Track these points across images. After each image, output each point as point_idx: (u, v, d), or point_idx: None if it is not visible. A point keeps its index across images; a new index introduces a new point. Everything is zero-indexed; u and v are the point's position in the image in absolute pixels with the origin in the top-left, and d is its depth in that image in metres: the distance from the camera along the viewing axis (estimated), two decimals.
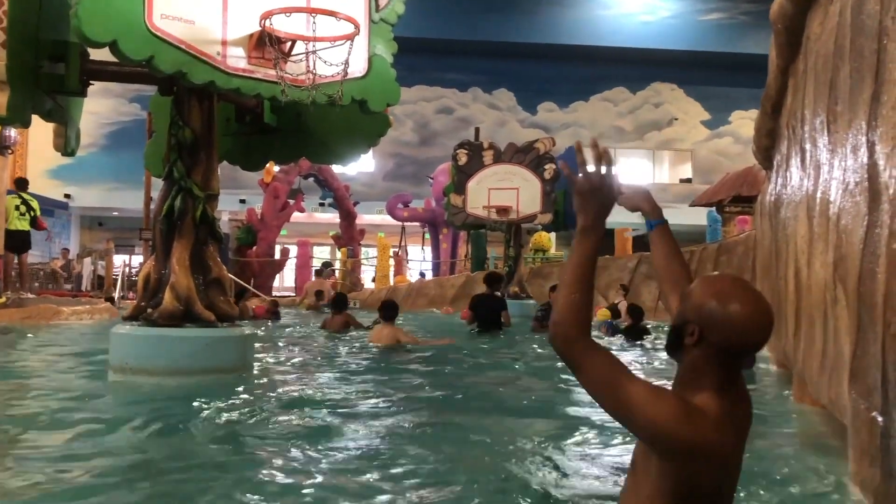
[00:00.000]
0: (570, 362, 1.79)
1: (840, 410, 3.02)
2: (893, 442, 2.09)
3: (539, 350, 8.59)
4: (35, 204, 13.39)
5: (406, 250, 25.98)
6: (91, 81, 6.16)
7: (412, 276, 24.33)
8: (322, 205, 26.03)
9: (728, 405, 1.77)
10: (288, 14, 5.58)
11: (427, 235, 25.94)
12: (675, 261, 2.15)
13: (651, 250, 2.18)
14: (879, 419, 2.24)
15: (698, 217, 23.39)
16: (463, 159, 16.77)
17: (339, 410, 4.69)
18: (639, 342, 9.73)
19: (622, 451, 3.57)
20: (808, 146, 4.12)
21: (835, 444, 3.61)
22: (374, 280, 23.06)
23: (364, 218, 26.23)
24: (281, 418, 4.43)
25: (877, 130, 2.36)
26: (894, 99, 2.17)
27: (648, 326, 10.47)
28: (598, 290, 14.22)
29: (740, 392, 1.83)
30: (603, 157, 1.88)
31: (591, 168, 1.88)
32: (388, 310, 8.67)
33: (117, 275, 18.63)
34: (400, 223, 25.74)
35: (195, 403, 4.61)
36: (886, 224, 2.19)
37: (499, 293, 12.11)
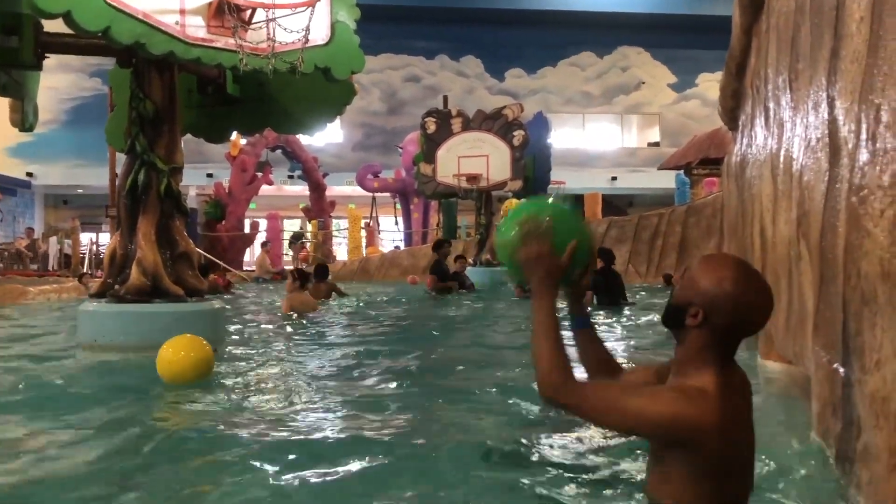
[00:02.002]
0: (566, 406, 1.88)
1: (804, 364, 3.08)
2: (854, 391, 2.13)
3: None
4: None
5: (377, 221, 25.91)
6: (46, 54, 6.00)
7: (384, 246, 24.30)
8: (291, 177, 25.83)
9: (729, 380, 1.83)
10: None
11: (398, 205, 25.87)
12: (607, 361, 2.19)
13: (580, 353, 2.19)
14: (841, 370, 2.28)
15: (667, 180, 23.60)
16: (432, 128, 16.70)
17: (314, 381, 4.68)
18: (616, 307, 9.55)
19: None
20: (771, 105, 4.14)
21: (798, 396, 3.68)
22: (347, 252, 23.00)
23: (334, 189, 26.06)
24: (253, 390, 4.41)
25: (836, 86, 2.38)
26: (852, 53, 2.18)
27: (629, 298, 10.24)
28: None
29: (737, 370, 1.90)
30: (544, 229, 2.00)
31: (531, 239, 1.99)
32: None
33: (84, 253, 18.36)
34: (370, 194, 25.63)
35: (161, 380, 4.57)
36: (846, 179, 2.22)
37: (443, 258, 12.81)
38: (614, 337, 6.95)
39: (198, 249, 6.49)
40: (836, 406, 2.34)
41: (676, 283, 1.98)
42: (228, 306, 9.18)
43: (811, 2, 2.84)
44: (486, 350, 6.18)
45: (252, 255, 25.24)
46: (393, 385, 4.57)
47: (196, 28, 5.50)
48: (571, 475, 2.65)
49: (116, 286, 5.75)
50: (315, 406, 3.99)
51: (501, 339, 7.10)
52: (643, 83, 33.32)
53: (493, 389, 4.33)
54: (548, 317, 1.94)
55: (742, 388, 1.89)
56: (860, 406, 2.08)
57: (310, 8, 5.68)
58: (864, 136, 2.05)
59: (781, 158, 3.68)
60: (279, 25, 5.65)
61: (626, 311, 9.28)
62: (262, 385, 4.59)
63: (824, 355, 2.50)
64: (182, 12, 5.44)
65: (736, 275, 1.81)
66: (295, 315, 8.63)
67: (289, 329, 7.64)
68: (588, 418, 1.92)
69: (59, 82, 27.48)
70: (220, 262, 17.95)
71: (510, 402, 4.01)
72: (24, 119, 6.65)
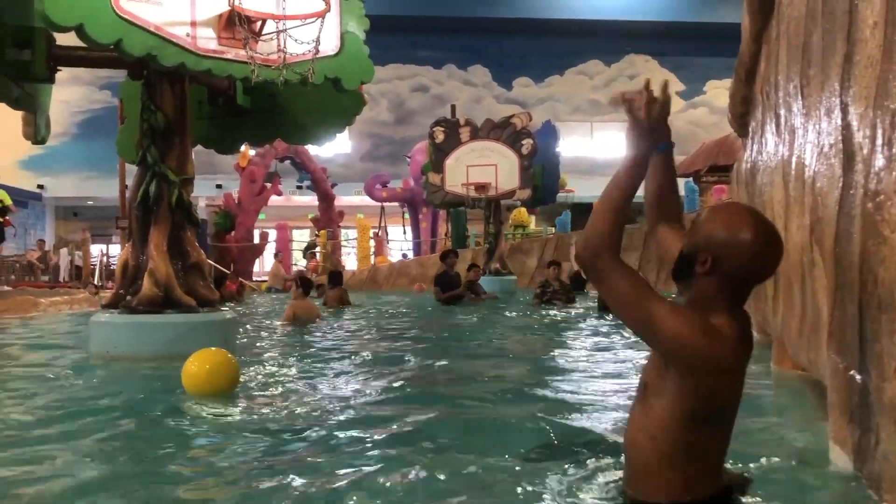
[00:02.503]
0: (596, 273, 1.85)
1: (819, 371, 3.06)
2: (871, 398, 2.12)
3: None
4: (3, 195, 13.18)
5: (386, 231, 25.95)
6: (59, 67, 6.05)
7: (393, 256, 24.32)
8: (300, 187, 25.92)
9: (739, 326, 1.85)
10: None
11: (406, 215, 25.90)
12: (671, 190, 2.17)
13: (649, 174, 2.11)
14: (857, 377, 2.26)
15: None
16: (440, 137, 16.72)
17: (327, 392, 4.68)
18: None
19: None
20: (782, 111, 4.14)
21: (814, 404, 3.66)
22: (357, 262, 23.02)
23: (343, 199, 26.13)
24: (265, 401, 4.41)
25: (850, 91, 2.37)
26: (866, 58, 2.18)
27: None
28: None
29: (746, 317, 1.92)
30: (664, 92, 1.99)
31: (645, 108, 1.95)
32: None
33: (95, 265, 18.45)
34: (379, 203, 25.67)
35: (180, 389, 4.58)
36: (861, 185, 2.21)
37: (452, 270, 12.71)
38: (624, 343, 6.92)
39: (208, 260, 6.51)
40: (853, 413, 2.32)
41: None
42: (241, 309, 9.32)
43: (823, 7, 2.83)
44: (498, 359, 6.17)
45: (262, 265, 25.33)
46: (403, 397, 4.56)
47: (207, 40, 5.54)
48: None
49: (129, 297, 5.78)
50: (332, 417, 3.98)
51: (516, 347, 7.09)
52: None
53: (512, 401, 4.31)
54: (632, 188, 1.90)
55: (746, 338, 1.91)
56: (878, 414, 2.07)
57: (320, 19, 5.70)
58: (879, 141, 2.04)
59: (793, 164, 3.67)
60: (290, 37, 5.68)
61: None
62: (276, 394, 4.58)
63: (840, 362, 2.49)
64: (193, 24, 5.48)
65: (743, 221, 1.82)
66: (298, 323, 8.64)
67: (298, 338, 7.65)
68: (610, 297, 1.88)
69: (71, 95, 27.71)
70: (229, 273, 18.01)
71: (535, 415, 3.99)
72: (36, 132, 6.69)
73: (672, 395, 1.84)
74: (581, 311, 10.56)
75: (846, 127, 2.42)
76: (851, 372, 2.34)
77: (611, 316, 9.47)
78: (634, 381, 3.43)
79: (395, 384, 4.88)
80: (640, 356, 6.30)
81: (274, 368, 5.61)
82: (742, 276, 1.84)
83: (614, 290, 1.84)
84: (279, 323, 8.95)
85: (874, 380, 2.10)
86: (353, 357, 6.13)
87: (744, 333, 1.88)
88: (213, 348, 4.62)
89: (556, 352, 6.47)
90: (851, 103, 2.36)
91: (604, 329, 8.17)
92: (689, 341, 1.77)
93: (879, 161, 2.03)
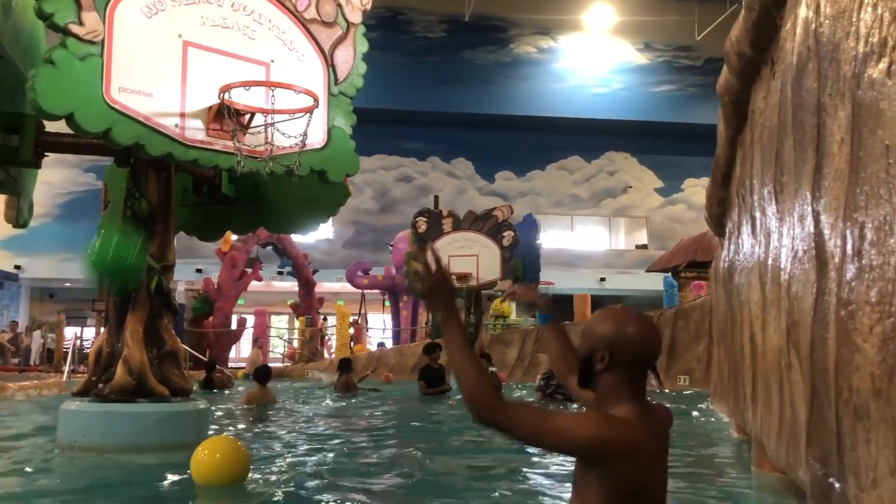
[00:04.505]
0: (497, 426, 2.01)
1: (798, 475, 3.04)
2: None
3: None
4: None
5: (366, 318, 25.81)
6: (46, 153, 6.10)
7: (372, 344, 24.12)
8: (280, 273, 25.86)
9: (643, 411, 2.07)
10: (247, 87, 5.64)
11: (387, 303, 25.84)
12: (568, 349, 2.49)
13: (549, 342, 2.52)
14: (836, 485, 2.25)
15: (655, 282, 23.75)
16: (423, 227, 16.89)
17: (309, 482, 4.56)
18: None
19: None
20: (757, 214, 4.23)
21: None
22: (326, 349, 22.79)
23: (324, 286, 26.06)
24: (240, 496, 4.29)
25: (821, 201, 2.44)
26: (835, 171, 2.25)
27: None
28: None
29: (651, 405, 2.14)
30: (433, 257, 2.17)
31: (426, 271, 2.14)
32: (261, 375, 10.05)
33: (68, 348, 18.13)
34: (360, 291, 25.63)
35: (149, 484, 4.44)
36: (834, 292, 2.25)
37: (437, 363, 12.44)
38: None
39: (183, 346, 6.42)
40: None
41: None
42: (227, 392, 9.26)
43: (793, 119, 2.94)
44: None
45: (238, 351, 25.00)
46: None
47: (195, 131, 5.62)
48: None
49: (101, 385, 5.66)
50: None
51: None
52: (630, 187, 34.02)
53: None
54: (462, 341, 2.07)
55: (655, 420, 2.10)
56: None
57: (308, 114, 5.83)
58: (850, 251, 2.09)
59: (769, 267, 3.73)
60: (277, 130, 5.78)
61: None
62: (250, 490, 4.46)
63: (820, 469, 2.47)
64: (182, 115, 5.58)
65: (626, 317, 2.11)
66: (255, 406, 9.43)
67: (274, 421, 7.51)
68: (518, 436, 2.03)
69: (55, 177, 27.83)
70: (203, 358, 17.74)
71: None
72: (18, 215, 6.69)
73: (596, 489, 2.01)
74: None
75: (818, 234, 2.48)
76: (831, 479, 2.32)
77: None
78: None
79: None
80: None
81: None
82: (635, 362, 2.09)
83: (521, 428, 2.00)
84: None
85: (853, 489, 2.08)
86: (333, 438, 5.99)
87: (648, 418, 2.07)
88: (224, 437, 4.60)
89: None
90: (823, 212, 2.42)
91: None
92: (596, 437, 1.96)
93: (850, 271, 2.08)
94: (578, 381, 2.17)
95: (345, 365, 12.56)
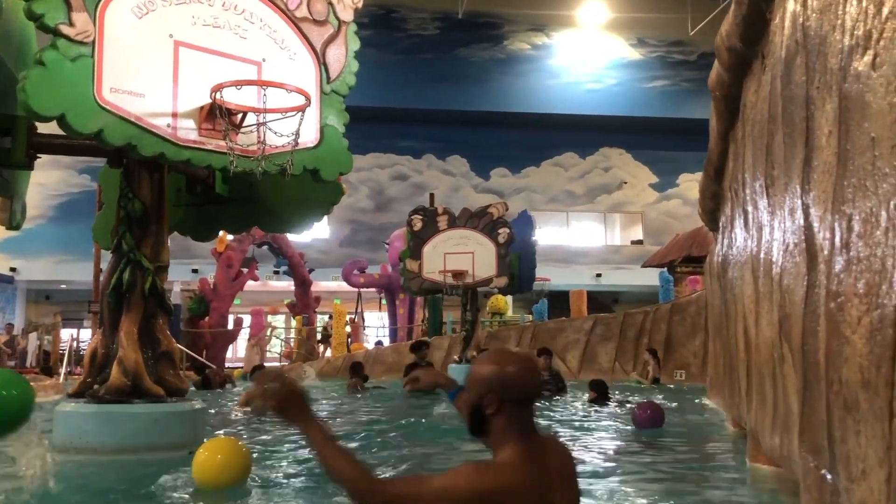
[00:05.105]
0: None
1: (792, 467, 3.05)
2: (842, 499, 2.10)
3: None
4: None
5: (363, 317, 25.79)
6: (38, 155, 6.09)
7: (369, 342, 24.12)
8: (276, 272, 25.81)
9: (531, 450, 2.08)
10: (239, 87, 5.63)
11: (384, 301, 25.83)
12: None
13: (461, 414, 2.46)
14: (828, 476, 2.26)
15: (651, 277, 23.77)
16: (418, 225, 16.86)
17: (309, 483, 4.56)
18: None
19: None
20: (750, 208, 4.24)
21: (788, 502, 3.62)
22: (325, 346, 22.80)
23: (320, 285, 26.03)
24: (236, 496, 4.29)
25: (810, 194, 2.45)
26: (823, 163, 2.26)
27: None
28: (556, 354, 14.24)
29: (544, 439, 2.19)
30: (270, 376, 2.19)
31: (267, 393, 2.14)
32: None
33: (64, 349, 18.10)
34: (356, 289, 25.62)
35: (145, 485, 4.44)
36: (824, 284, 2.26)
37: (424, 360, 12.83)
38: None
39: (179, 346, 6.42)
40: None
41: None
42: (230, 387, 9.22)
43: (783, 112, 2.95)
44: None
45: (235, 351, 24.98)
46: None
47: (187, 130, 5.62)
48: None
49: (96, 386, 5.66)
50: None
51: None
52: (625, 183, 34.04)
53: None
54: (326, 439, 2.10)
55: (547, 456, 2.13)
56: None
57: (300, 112, 5.82)
58: (838, 244, 2.10)
59: (762, 260, 3.74)
60: (269, 129, 5.78)
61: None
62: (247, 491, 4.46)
63: (812, 460, 2.48)
64: (175, 115, 5.57)
65: (503, 356, 2.16)
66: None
67: (274, 421, 7.49)
68: None
69: (49, 178, 27.74)
70: (200, 359, 17.74)
71: None
72: (11, 217, 6.67)
73: None
74: (571, 400, 10.47)
75: (808, 227, 2.49)
76: (822, 471, 2.33)
77: (604, 406, 9.42)
78: (620, 471, 3.36)
79: None
80: (633, 448, 6.24)
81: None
82: (520, 397, 2.10)
83: (404, 501, 2.02)
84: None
85: (843, 481, 2.09)
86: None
87: (537, 455, 2.08)
88: (225, 437, 4.59)
89: None
90: (812, 205, 2.43)
91: (590, 421, 8.08)
92: (469, 487, 1.96)
93: (839, 263, 2.09)
94: (471, 430, 2.19)
95: (357, 369, 12.98)
